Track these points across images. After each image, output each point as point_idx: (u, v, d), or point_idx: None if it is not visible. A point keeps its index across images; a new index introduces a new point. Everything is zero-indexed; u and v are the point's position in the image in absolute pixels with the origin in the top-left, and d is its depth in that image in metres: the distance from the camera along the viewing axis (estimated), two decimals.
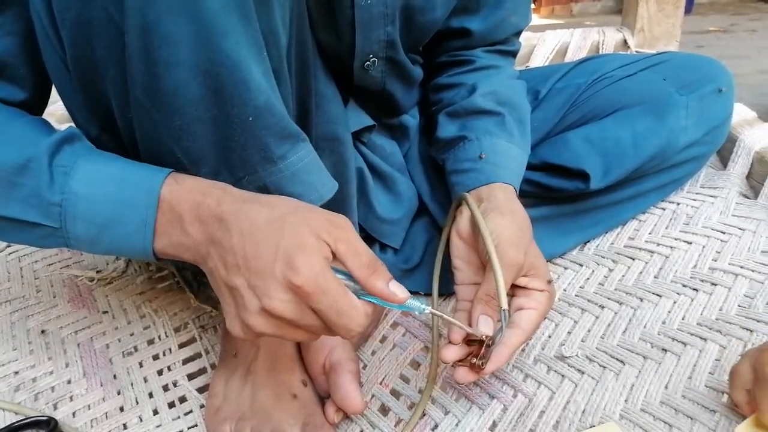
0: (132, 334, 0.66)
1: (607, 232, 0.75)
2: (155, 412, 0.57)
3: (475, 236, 0.57)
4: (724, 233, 0.70)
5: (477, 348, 0.51)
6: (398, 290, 0.41)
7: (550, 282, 0.55)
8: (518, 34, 0.73)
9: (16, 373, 0.62)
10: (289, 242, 0.39)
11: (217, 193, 0.41)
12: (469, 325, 0.52)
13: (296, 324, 0.39)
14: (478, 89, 0.67)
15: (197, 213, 0.41)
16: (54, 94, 0.49)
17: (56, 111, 1.12)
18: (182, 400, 0.58)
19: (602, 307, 0.63)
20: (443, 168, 0.66)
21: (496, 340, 0.50)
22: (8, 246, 0.84)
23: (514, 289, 0.55)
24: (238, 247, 0.39)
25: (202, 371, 0.62)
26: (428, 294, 0.67)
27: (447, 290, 0.69)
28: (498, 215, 0.55)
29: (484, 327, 0.51)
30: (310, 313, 0.39)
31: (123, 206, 0.41)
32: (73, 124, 0.49)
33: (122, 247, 0.43)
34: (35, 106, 0.49)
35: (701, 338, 0.57)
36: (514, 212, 0.57)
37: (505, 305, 0.49)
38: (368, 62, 0.60)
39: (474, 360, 0.50)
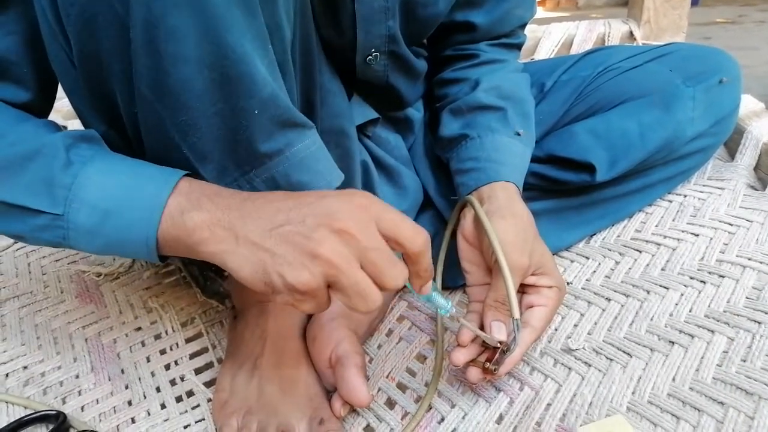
0: (139, 329, 0.67)
1: (613, 225, 0.75)
2: (163, 407, 0.57)
3: (480, 238, 0.57)
4: (731, 225, 0.70)
5: (491, 353, 0.51)
6: None
7: (568, 285, 0.55)
8: (523, 26, 0.73)
9: (25, 367, 0.62)
10: (331, 192, 0.40)
11: (237, 190, 0.42)
12: (481, 329, 0.53)
13: (364, 245, 0.37)
14: (480, 84, 0.66)
15: (217, 192, 0.41)
16: (60, 90, 0.49)
17: (62, 107, 1.12)
18: (189, 394, 0.58)
19: (609, 299, 0.63)
20: (448, 167, 0.66)
21: (512, 347, 0.50)
22: (16, 242, 0.84)
23: (523, 287, 0.55)
24: (276, 199, 0.39)
25: (209, 366, 0.62)
26: None
27: (453, 284, 0.69)
28: (499, 218, 0.55)
29: (498, 333, 0.51)
30: (375, 229, 0.38)
31: (135, 193, 0.40)
32: (81, 126, 0.49)
33: (123, 239, 0.41)
34: (40, 108, 0.49)
35: (709, 330, 0.56)
36: (515, 214, 0.57)
37: (517, 314, 0.49)
38: (370, 56, 0.60)
39: (488, 365, 0.50)
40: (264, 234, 0.38)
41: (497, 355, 0.50)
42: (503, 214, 0.56)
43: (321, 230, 0.37)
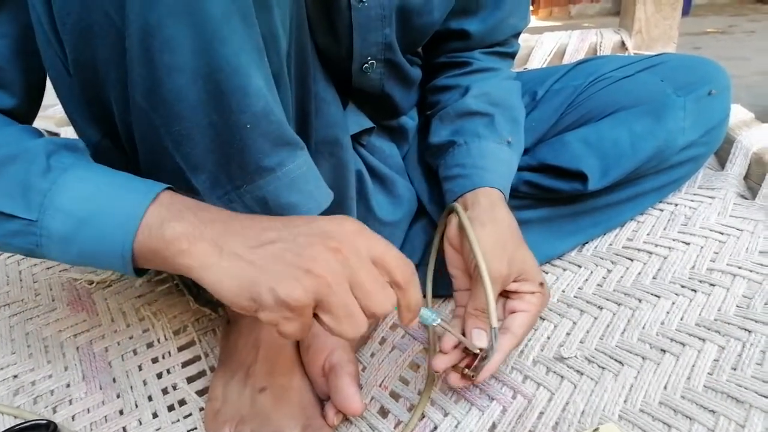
0: (131, 338, 0.66)
1: (605, 233, 0.76)
2: (155, 416, 0.57)
3: (463, 244, 0.57)
4: (722, 234, 0.71)
5: (472, 359, 0.52)
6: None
7: (542, 284, 0.55)
8: (517, 35, 0.73)
9: (15, 376, 0.62)
10: (323, 217, 0.40)
11: (222, 208, 0.42)
12: (463, 335, 0.54)
13: (356, 266, 0.37)
14: (470, 91, 0.67)
15: (201, 207, 0.40)
16: (53, 98, 0.49)
17: (55, 115, 1.12)
18: (182, 403, 0.58)
19: (601, 308, 0.64)
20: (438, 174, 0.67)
21: (489, 355, 0.50)
22: None
23: (506, 292, 0.56)
24: (264, 219, 0.39)
25: (201, 374, 0.62)
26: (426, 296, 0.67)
27: (446, 292, 0.69)
28: (479, 226, 0.55)
29: (478, 341, 0.52)
30: (366, 255, 0.38)
31: (113, 202, 0.39)
32: (74, 134, 0.49)
33: (97, 249, 0.39)
34: (25, 114, 0.48)
35: (700, 339, 0.57)
36: (495, 220, 0.57)
37: (494, 323, 0.50)
38: (366, 64, 0.60)
39: (466, 371, 0.51)
40: (251, 249, 0.37)
41: (476, 361, 0.51)
42: (483, 221, 0.56)
43: (315, 247, 0.36)
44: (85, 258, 0.40)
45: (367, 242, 0.38)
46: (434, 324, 0.47)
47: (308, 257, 0.36)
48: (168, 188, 0.41)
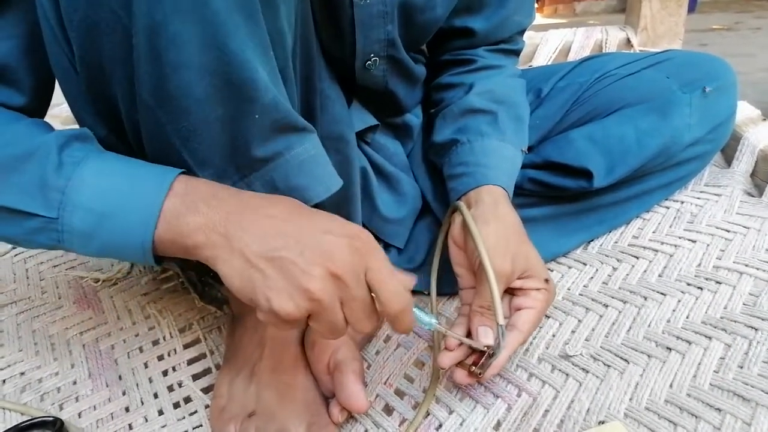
0: (137, 335, 0.67)
1: (611, 231, 0.75)
2: (160, 413, 0.57)
3: (467, 242, 0.57)
4: (728, 231, 0.70)
5: (478, 356, 0.52)
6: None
7: (548, 281, 0.55)
8: (522, 32, 0.73)
9: (22, 373, 0.62)
10: (329, 216, 0.40)
11: (235, 189, 0.42)
12: (469, 333, 0.54)
13: (350, 293, 0.39)
14: (474, 88, 0.67)
15: (214, 194, 0.40)
16: (59, 96, 0.50)
17: (61, 113, 1.12)
18: (187, 400, 0.58)
19: (606, 305, 0.63)
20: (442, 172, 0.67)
21: (497, 353, 0.51)
22: (13, 248, 0.84)
23: (511, 289, 0.56)
24: (276, 218, 0.39)
25: (206, 371, 0.62)
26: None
27: (451, 290, 0.69)
28: (483, 223, 0.56)
29: (484, 338, 0.52)
30: (363, 278, 0.40)
31: (130, 195, 0.40)
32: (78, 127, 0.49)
33: (118, 242, 0.40)
34: (34, 112, 0.48)
35: (706, 337, 0.56)
36: (498, 218, 0.57)
37: (501, 320, 0.50)
38: (369, 61, 0.60)
39: (473, 368, 0.52)
40: (259, 253, 0.38)
41: (483, 359, 0.51)
42: (486, 219, 0.56)
43: (316, 269, 0.38)
44: (107, 251, 0.42)
45: (367, 265, 0.40)
46: (433, 329, 0.47)
47: (309, 277, 0.38)
48: (181, 173, 0.41)
